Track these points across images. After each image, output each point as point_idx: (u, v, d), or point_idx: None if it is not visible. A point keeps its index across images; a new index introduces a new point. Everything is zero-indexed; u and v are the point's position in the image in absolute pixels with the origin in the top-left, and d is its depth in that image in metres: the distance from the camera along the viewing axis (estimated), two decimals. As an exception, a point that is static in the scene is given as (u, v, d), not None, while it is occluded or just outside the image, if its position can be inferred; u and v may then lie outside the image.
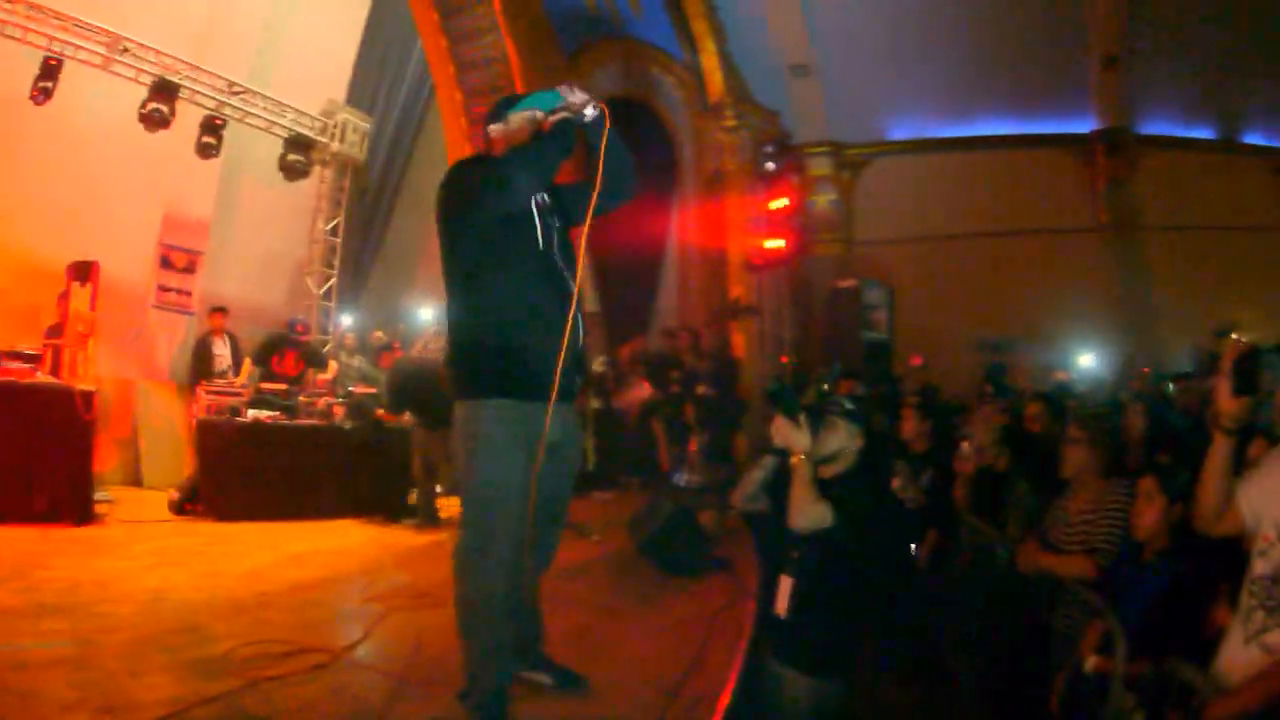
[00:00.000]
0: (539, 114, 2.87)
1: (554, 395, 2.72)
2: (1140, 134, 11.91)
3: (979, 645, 4.31)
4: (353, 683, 3.31)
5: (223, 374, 8.57)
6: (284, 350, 8.70)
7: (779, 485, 3.30)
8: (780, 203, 10.42)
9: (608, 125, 2.82)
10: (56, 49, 8.22)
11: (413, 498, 7.48)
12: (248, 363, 8.56)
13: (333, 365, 9.18)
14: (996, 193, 11.29)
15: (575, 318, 2.78)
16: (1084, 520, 3.68)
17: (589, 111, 2.81)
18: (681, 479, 7.90)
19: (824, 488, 3.13)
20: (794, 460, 3.15)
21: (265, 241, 10.80)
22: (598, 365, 9.31)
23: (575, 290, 2.84)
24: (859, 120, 11.55)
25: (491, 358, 2.74)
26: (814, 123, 11.54)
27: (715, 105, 11.08)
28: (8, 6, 7.96)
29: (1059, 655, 3.52)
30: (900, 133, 11.69)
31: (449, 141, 9.83)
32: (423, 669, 3.41)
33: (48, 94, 8.08)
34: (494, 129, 2.97)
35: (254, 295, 10.11)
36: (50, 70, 8.07)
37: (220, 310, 8.90)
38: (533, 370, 2.70)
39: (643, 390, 9.06)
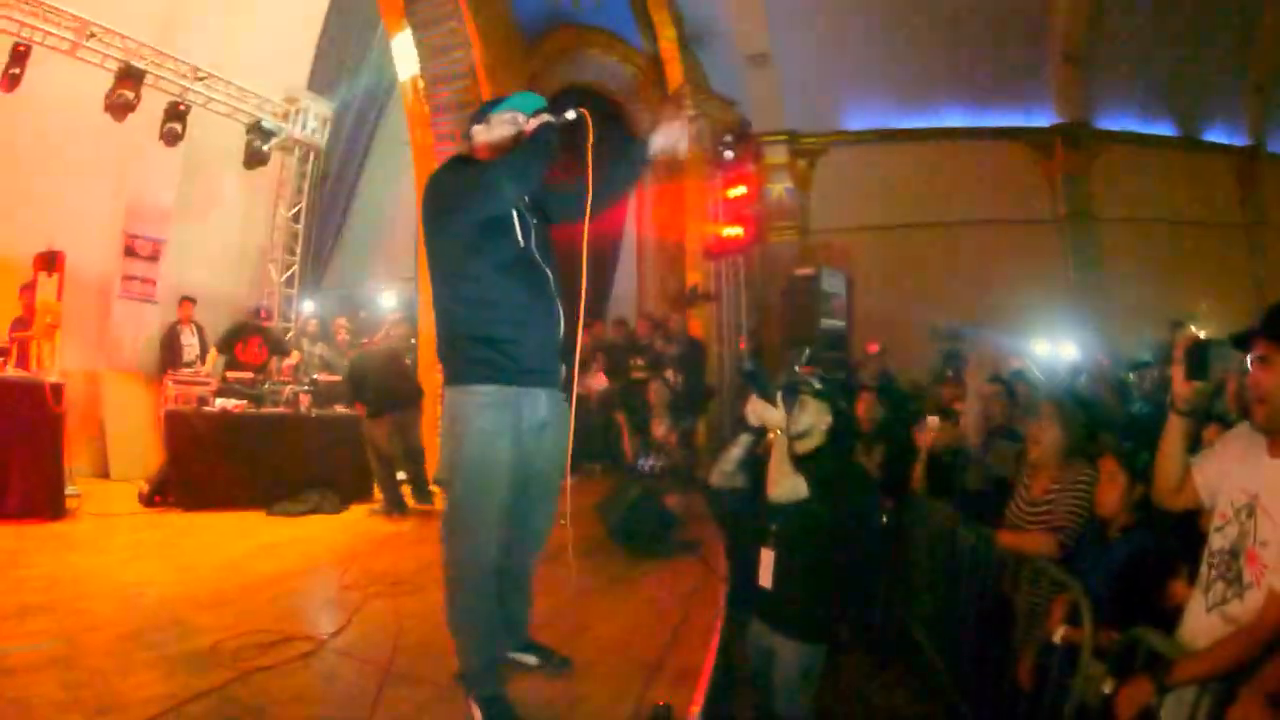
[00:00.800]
0: (520, 116, 2.94)
1: (535, 380, 2.85)
2: (1099, 129, 12.13)
3: (944, 621, 4.50)
4: (343, 670, 3.35)
5: (190, 364, 8.61)
6: (248, 337, 8.68)
7: (755, 463, 3.50)
8: (738, 191, 10.48)
9: (590, 130, 2.87)
10: (25, 35, 8.14)
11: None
12: (214, 352, 8.50)
13: (295, 353, 9.17)
14: (954, 183, 11.48)
15: (555, 308, 2.91)
16: (1047, 500, 3.84)
17: (569, 114, 2.87)
18: (645, 464, 7.98)
19: (798, 462, 3.30)
20: (770, 436, 3.34)
21: (228, 229, 10.75)
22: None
23: (553, 281, 2.93)
24: (817, 110, 11.63)
25: (476, 346, 2.81)
26: (772, 112, 11.59)
27: (674, 94, 11.04)
28: None
29: (1026, 630, 3.67)
30: (858, 123, 11.80)
31: (411, 127, 9.77)
32: (409, 653, 3.46)
33: (16, 80, 8.01)
34: (476, 130, 3.02)
35: (218, 283, 10.09)
36: (18, 56, 8.01)
37: (188, 300, 8.94)
38: (514, 356, 2.80)
39: (600, 381, 9.12)
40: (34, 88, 8.17)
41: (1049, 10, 11.48)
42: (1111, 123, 12.17)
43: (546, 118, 2.87)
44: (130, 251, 9.56)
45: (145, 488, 7.29)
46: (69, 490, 6.63)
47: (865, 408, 6.13)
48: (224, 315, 9.48)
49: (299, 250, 11.50)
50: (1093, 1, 11.37)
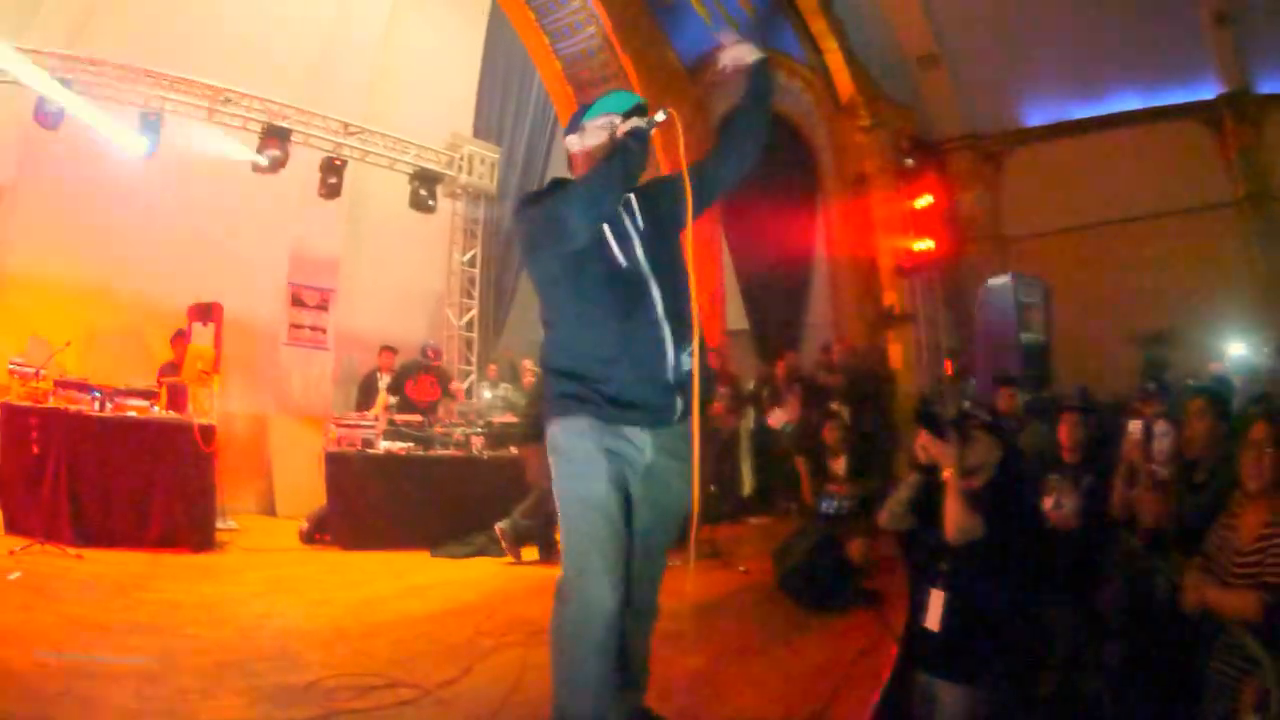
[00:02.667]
0: (615, 119, 2.67)
1: (635, 418, 2.55)
2: (1264, 95, 10.44)
3: (1124, 680, 3.74)
4: (435, 723, 3.11)
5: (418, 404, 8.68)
6: (418, 375, 8.74)
7: (926, 502, 3.38)
8: (925, 200, 10.01)
9: (680, 129, 2.57)
10: (154, 105, 8.56)
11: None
12: (382, 394, 8.58)
13: (454, 384, 9.24)
14: (1135, 173, 10.23)
15: (661, 331, 2.54)
16: (1257, 547, 2.94)
17: (659, 115, 2.61)
18: (827, 506, 7.29)
19: (970, 500, 3.19)
20: (945, 475, 3.23)
21: (400, 275, 10.96)
22: (749, 384, 9.03)
23: (664, 298, 2.58)
24: (994, 109, 10.84)
25: (562, 380, 2.59)
26: (949, 115, 10.87)
27: (847, 105, 10.59)
28: (93, 70, 8.31)
29: (1213, 706, 2.93)
30: (1036, 118, 10.82)
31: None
32: (517, 710, 3.22)
33: (154, 143, 8.40)
34: (570, 140, 2.79)
35: (392, 329, 10.12)
36: (150, 124, 8.41)
37: (389, 349, 9.01)
38: (605, 393, 2.52)
39: (789, 411, 8.64)
40: (181, 149, 8.62)
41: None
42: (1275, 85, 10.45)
43: (637, 121, 2.59)
44: (297, 301, 9.90)
45: (306, 525, 7.38)
46: (224, 524, 6.87)
47: (1068, 432, 5.00)
48: (401, 359, 9.51)
49: (476, 294, 11.61)
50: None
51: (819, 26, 10.37)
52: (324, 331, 10.06)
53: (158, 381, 7.41)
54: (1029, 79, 10.64)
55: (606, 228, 2.58)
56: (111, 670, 3.34)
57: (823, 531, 5.42)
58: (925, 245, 9.97)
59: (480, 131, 11.54)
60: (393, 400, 8.45)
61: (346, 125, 9.80)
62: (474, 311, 11.59)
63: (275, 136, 9.08)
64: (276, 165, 9.06)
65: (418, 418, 8.35)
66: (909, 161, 10.03)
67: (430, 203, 10.47)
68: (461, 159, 10.94)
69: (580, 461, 2.51)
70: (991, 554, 3.12)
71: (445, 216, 11.26)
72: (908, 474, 3.58)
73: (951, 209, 10.58)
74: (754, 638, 4.30)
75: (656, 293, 2.55)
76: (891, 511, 3.55)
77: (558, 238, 2.52)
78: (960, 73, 10.65)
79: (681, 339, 2.55)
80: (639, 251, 2.59)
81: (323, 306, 10.05)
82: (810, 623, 4.62)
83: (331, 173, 9.52)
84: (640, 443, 2.53)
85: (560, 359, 2.61)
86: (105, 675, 3.26)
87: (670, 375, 2.52)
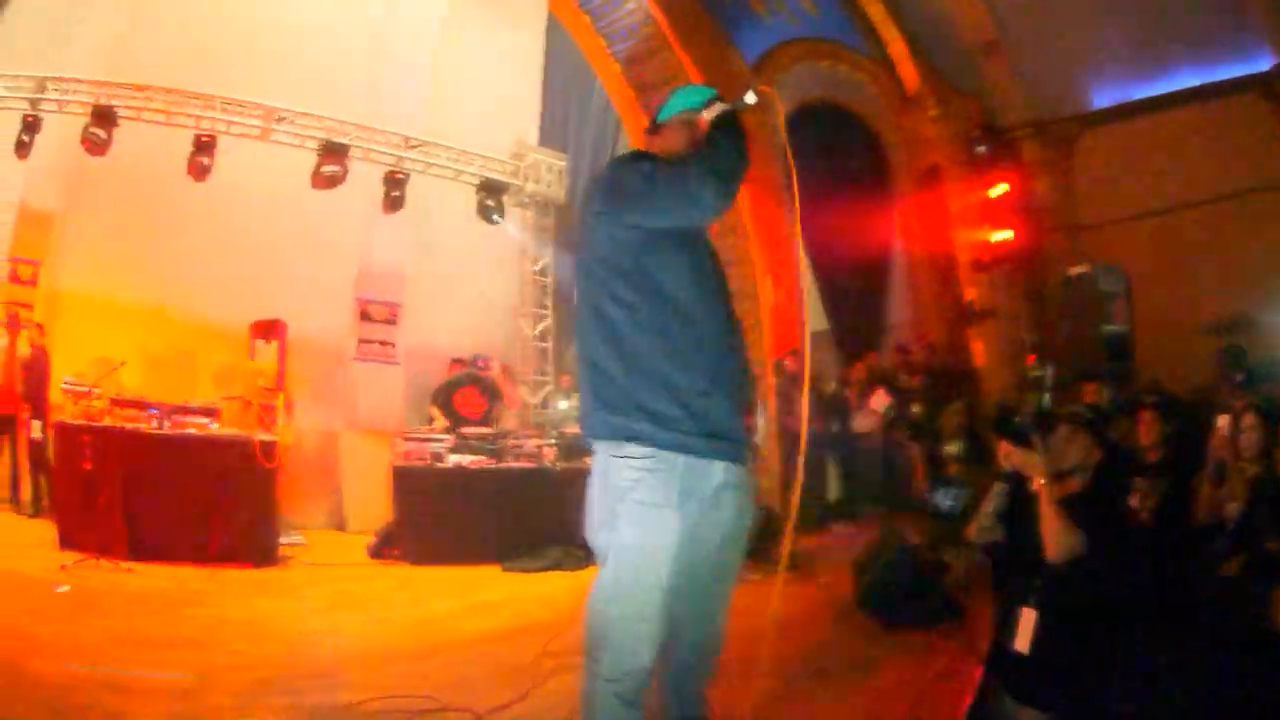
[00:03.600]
0: (692, 115, 2.45)
1: (719, 450, 2.29)
2: None
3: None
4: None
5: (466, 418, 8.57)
6: (465, 388, 8.57)
7: (1014, 513, 3.15)
8: (999, 189, 9.56)
9: (780, 110, 2.46)
10: (206, 127, 8.64)
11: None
12: (433, 409, 8.48)
13: (507, 396, 8.98)
14: (1204, 153, 9.49)
15: (742, 352, 2.37)
16: None
17: (749, 98, 2.42)
18: (944, 501, 6.92)
19: (1065, 509, 2.92)
20: (1035, 486, 2.95)
21: (471, 287, 10.88)
22: (830, 386, 8.78)
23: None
24: (1059, 93, 10.22)
25: (652, 392, 2.25)
26: (1015, 102, 10.36)
27: (914, 97, 10.20)
28: (139, 95, 8.43)
29: None
30: (1103, 100, 10.20)
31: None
32: None
33: (206, 169, 8.49)
34: (651, 144, 2.57)
35: (465, 341, 9.99)
36: (204, 146, 8.49)
37: (458, 362, 8.97)
38: (701, 414, 2.23)
39: (879, 400, 8.42)
40: (239, 169, 8.68)
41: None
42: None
43: (723, 107, 2.37)
44: (365, 316, 9.95)
45: (374, 540, 7.33)
46: (290, 539, 6.89)
47: (1147, 430, 4.74)
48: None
49: (550, 303, 11.50)
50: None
51: (879, 17, 10.01)
52: (393, 346, 10.06)
53: (224, 399, 7.51)
54: (1090, 60, 10.10)
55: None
56: (145, 685, 3.28)
57: (903, 541, 5.08)
58: (1003, 236, 9.53)
59: (546, 139, 11.45)
60: (439, 415, 8.33)
61: (407, 139, 9.81)
62: (548, 321, 11.49)
63: (333, 153, 9.09)
64: (335, 181, 9.07)
65: (488, 430, 8.21)
66: (981, 150, 9.60)
67: (496, 214, 10.39)
68: (527, 168, 10.86)
69: (650, 507, 2.22)
70: (1089, 569, 2.83)
71: (513, 226, 11.13)
72: (995, 484, 3.30)
73: (1026, 198, 10.08)
74: (830, 658, 4.10)
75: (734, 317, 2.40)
76: (980, 524, 3.30)
77: (689, 210, 2.25)
78: (1023, 58, 10.16)
79: (749, 373, 2.39)
80: (709, 264, 2.41)
81: (391, 321, 10.07)
82: (889, 641, 4.38)
83: (394, 187, 9.50)
84: (714, 476, 2.28)
85: (643, 356, 2.26)
86: (138, 690, 3.21)
87: (751, 403, 2.36)
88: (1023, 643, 2.89)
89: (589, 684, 2.31)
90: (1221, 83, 9.45)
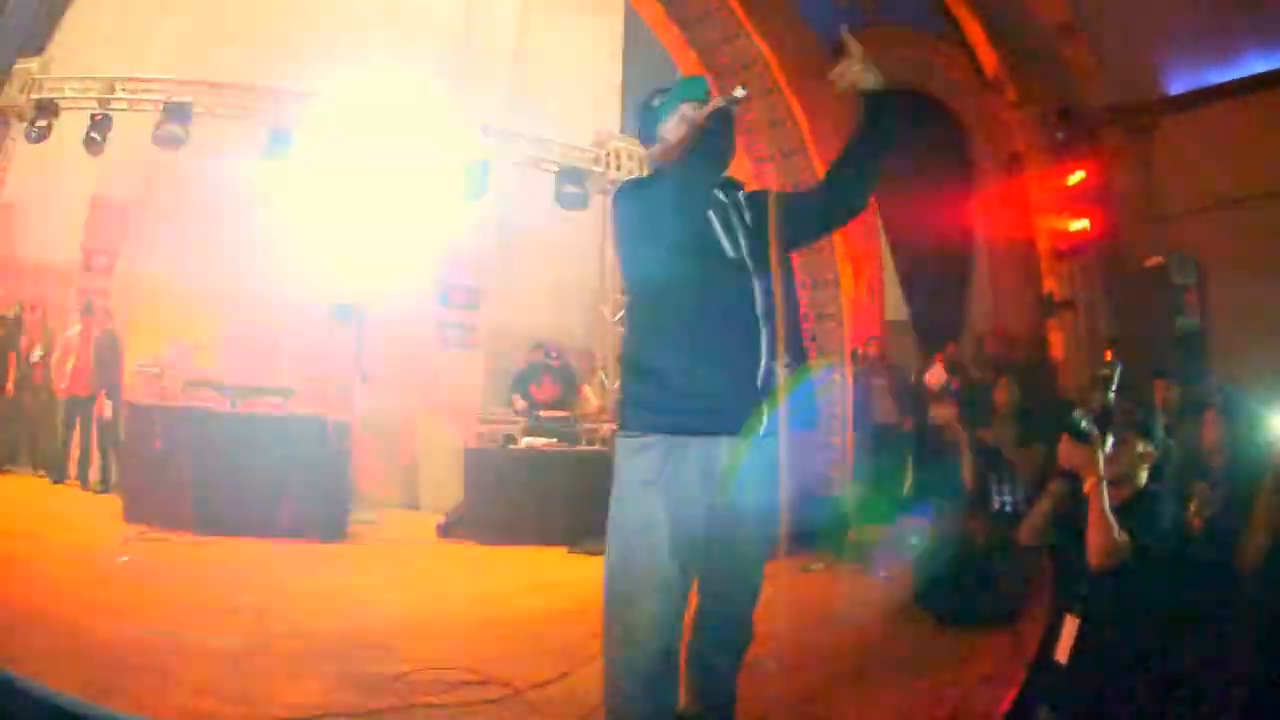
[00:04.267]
0: (688, 108, 2.53)
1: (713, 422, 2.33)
2: None
3: None
4: (514, 724, 3.05)
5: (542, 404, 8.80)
6: (540, 376, 8.72)
7: (1071, 514, 2.99)
8: (1077, 176, 9.22)
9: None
10: (283, 121, 8.80)
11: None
12: (514, 397, 8.64)
13: (585, 390, 9.12)
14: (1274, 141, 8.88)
15: (755, 334, 2.37)
16: None
17: (738, 92, 2.46)
18: (1003, 499, 6.65)
19: (1118, 514, 2.78)
20: (1087, 487, 2.82)
21: (553, 272, 10.99)
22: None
23: (765, 297, 2.41)
24: (1136, 78, 9.69)
25: (637, 379, 2.41)
26: (1093, 87, 9.88)
27: (993, 81, 9.85)
28: (213, 91, 8.65)
29: None
30: (1180, 84, 9.64)
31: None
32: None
33: (282, 154, 8.67)
34: (654, 151, 2.66)
35: (546, 326, 10.18)
36: (280, 135, 8.67)
37: (539, 347, 9.09)
38: (681, 391, 2.29)
39: (936, 375, 8.27)
40: (318, 155, 8.90)
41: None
42: None
43: (717, 102, 2.45)
44: (446, 300, 10.16)
45: (443, 520, 7.46)
46: (363, 517, 7.01)
47: (1211, 431, 4.58)
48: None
49: (630, 289, 11.56)
50: None
51: (954, -1, 9.86)
52: (474, 330, 10.27)
53: (306, 380, 7.78)
54: (1166, 44, 9.59)
55: (714, 217, 2.44)
56: (198, 648, 3.37)
57: (964, 535, 5.16)
58: (1080, 225, 9.23)
59: (629, 127, 11.41)
60: (517, 401, 8.50)
61: (485, 127, 9.89)
62: (628, 307, 11.54)
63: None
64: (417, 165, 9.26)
65: (563, 412, 8.32)
66: (1060, 136, 9.27)
67: (578, 201, 10.42)
68: (609, 155, 10.83)
69: (638, 484, 2.31)
70: (1137, 579, 2.70)
71: (597, 213, 11.01)
72: (1050, 483, 3.19)
73: (1104, 186, 9.66)
74: (875, 655, 4.05)
75: (758, 290, 2.38)
76: (1033, 525, 3.20)
77: (659, 226, 2.37)
78: (1099, 41, 9.71)
79: (775, 346, 2.35)
80: (744, 246, 2.44)
81: (472, 304, 10.26)
82: (940, 640, 4.34)
83: (473, 174, 9.60)
84: (716, 460, 2.31)
85: (639, 352, 2.42)
86: (190, 652, 3.30)
87: (760, 380, 2.32)
88: (1062, 652, 2.79)
89: (605, 664, 2.37)
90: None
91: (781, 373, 2.31)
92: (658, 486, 2.27)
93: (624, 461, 2.35)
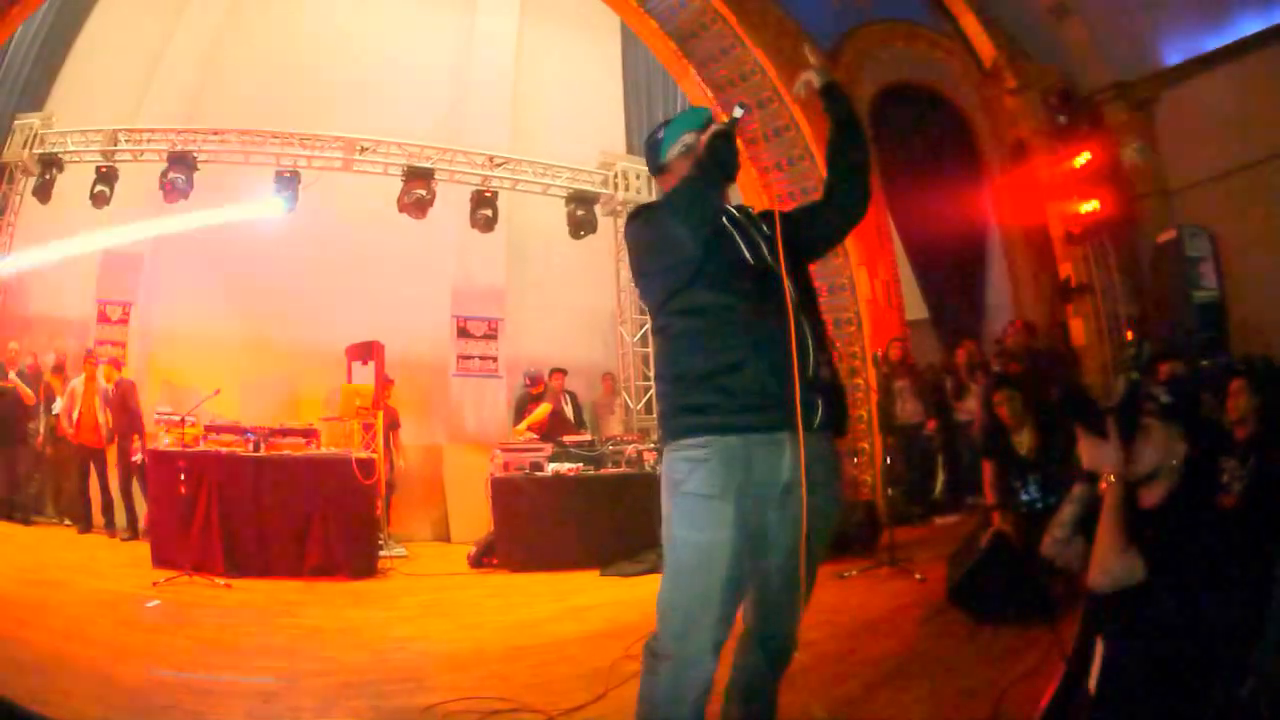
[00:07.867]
0: (689, 137, 2.55)
1: (771, 419, 2.24)
2: None
3: None
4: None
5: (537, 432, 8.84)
6: (528, 407, 8.78)
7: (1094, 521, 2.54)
8: (1083, 158, 9.10)
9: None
10: (286, 164, 8.94)
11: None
12: (514, 429, 8.72)
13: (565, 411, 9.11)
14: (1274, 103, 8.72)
15: (784, 330, 2.30)
16: None
17: (736, 112, 2.47)
18: (1030, 496, 6.50)
19: (1142, 523, 2.37)
20: (1101, 485, 2.43)
21: (568, 297, 11.04)
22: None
23: (798, 298, 2.39)
24: (1132, 52, 9.59)
25: (687, 388, 2.31)
26: (1091, 66, 9.79)
27: (992, 70, 9.78)
28: (216, 139, 8.77)
29: None
30: (1174, 56, 9.54)
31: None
32: None
33: (291, 201, 8.79)
34: (664, 181, 2.65)
35: (566, 351, 10.27)
36: (285, 181, 8.78)
37: (559, 372, 9.16)
38: (735, 391, 2.23)
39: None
40: (324, 199, 8.99)
41: None
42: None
43: (718, 126, 2.46)
44: (463, 333, 10.23)
45: (474, 550, 7.49)
46: (393, 552, 7.08)
47: (1236, 402, 4.18)
48: (581, 382, 9.79)
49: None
50: None
51: (947, -10, 9.84)
52: (494, 360, 10.32)
53: (323, 419, 7.86)
54: (1158, 14, 9.52)
55: (734, 231, 2.44)
56: (228, 688, 3.38)
57: (997, 532, 4.78)
58: (1091, 206, 9.10)
59: (634, 147, 11.43)
60: (523, 435, 8.52)
61: (491, 158, 9.99)
62: (648, 327, 11.51)
63: (419, 178, 9.31)
64: (424, 205, 9.27)
65: (587, 437, 8.31)
66: (1062, 119, 9.19)
67: (586, 226, 10.47)
68: (616, 176, 10.93)
69: (700, 498, 2.21)
70: (1161, 605, 2.26)
71: (608, 235, 11.21)
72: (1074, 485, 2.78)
73: (1111, 166, 9.52)
74: (914, 658, 3.98)
75: (790, 287, 2.35)
76: (1054, 535, 2.77)
77: (667, 250, 2.35)
78: (1093, 18, 9.64)
79: (822, 338, 2.34)
80: (767, 253, 2.41)
81: (491, 335, 10.32)
82: (978, 638, 4.20)
83: (482, 205, 9.68)
84: (778, 458, 2.24)
85: (681, 363, 2.33)
86: (220, 693, 3.31)
87: (811, 370, 2.27)
88: (1093, 681, 2.42)
89: (645, 679, 2.32)
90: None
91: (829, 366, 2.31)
92: (718, 501, 2.20)
93: (682, 475, 2.25)
